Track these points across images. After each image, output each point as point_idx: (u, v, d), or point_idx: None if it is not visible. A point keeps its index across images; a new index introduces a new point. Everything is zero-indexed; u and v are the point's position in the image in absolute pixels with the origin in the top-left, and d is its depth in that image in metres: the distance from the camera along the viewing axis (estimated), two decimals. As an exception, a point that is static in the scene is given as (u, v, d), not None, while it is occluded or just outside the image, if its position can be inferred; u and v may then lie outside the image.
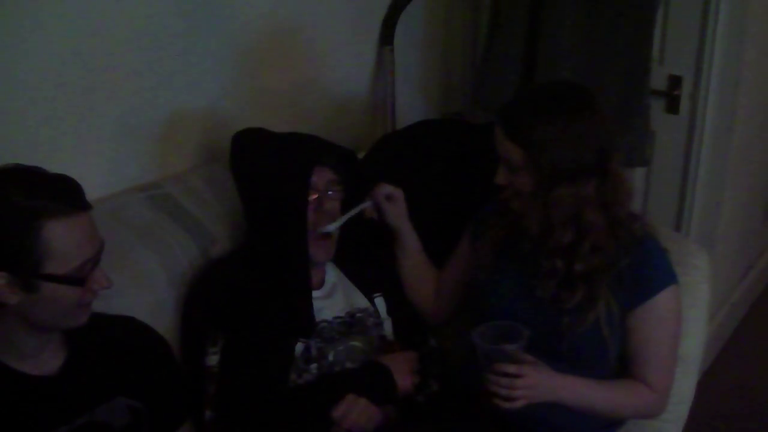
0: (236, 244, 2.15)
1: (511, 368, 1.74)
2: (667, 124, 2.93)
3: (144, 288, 1.96)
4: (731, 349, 3.66)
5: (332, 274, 2.14)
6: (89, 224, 1.52)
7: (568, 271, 1.85)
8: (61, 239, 1.45)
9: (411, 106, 3.02)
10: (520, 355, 1.77)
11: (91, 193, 2.00)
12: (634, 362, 1.91)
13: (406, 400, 2.01)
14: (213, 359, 1.88)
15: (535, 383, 1.77)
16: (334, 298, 2.10)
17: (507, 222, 1.95)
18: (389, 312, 2.16)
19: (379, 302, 2.16)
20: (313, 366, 1.96)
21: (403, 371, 1.99)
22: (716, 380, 3.40)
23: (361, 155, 2.52)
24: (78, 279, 1.49)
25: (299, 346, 1.95)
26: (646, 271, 1.87)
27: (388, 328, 2.14)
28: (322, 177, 2.01)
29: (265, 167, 2.01)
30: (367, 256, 2.24)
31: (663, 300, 1.87)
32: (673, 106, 2.92)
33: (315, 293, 2.06)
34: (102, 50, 2.05)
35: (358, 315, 2.10)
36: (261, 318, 1.93)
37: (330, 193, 2.02)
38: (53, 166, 1.55)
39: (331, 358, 1.99)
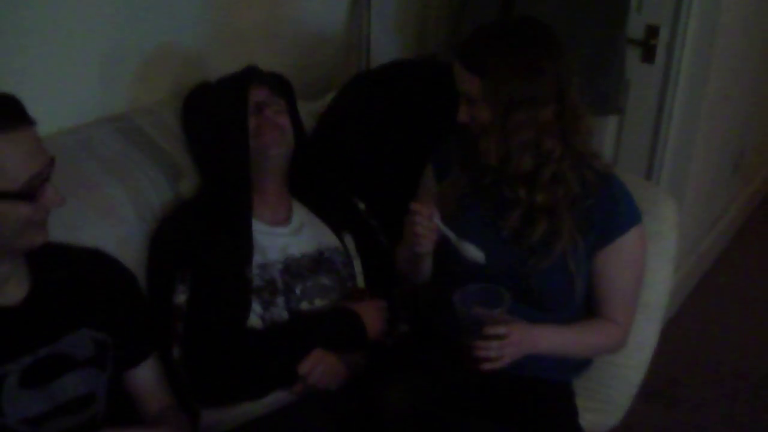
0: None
1: (502, 329, 1.75)
2: (642, 74, 2.94)
3: (112, 220, 1.94)
4: (696, 298, 3.72)
5: (301, 213, 2.15)
6: (33, 139, 1.49)
7: (531, 203, 1.86)
8: (5, 155, 1.42)
9: (386, 47, 2.99)
10: (505, 317, 1.78)
11: (60, 123, 2.01)
12: (602, 301, 1.94)
13: (375, 344, 2.03)
14: (181, 297, 1.88)
15: (519, 340, 1.78)
16: (301, 234, 2.10)
17: (469, 161, 1.95)
18: (358, 250, 2.17)
19: (348, 240, 2.17)
20: (280, 299, 1.97)
21: (373, 318, 2.01)
22: (680, 329, 3.46)
23: (333, 94, 2.52)
24: (27, 195, 1.46)
25: (258, 278, 1.96)
26: (614, 211, 1.88)
27: (357, 266, 2.15)
28: (258, 93, 2.06)
29: (206, 98, 2.12)
30: (337, 196, 2.25)
31: (629, 239, 1.90)
32: (649, 56, 2.92)
33: (282, 229, 2.07)
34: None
35: (327, 253, 2.10)
36: (215, 251, 1.93)
37: (271, 104, 2.06)
38: (23, 96, 1.51)
39: (298, 292, 2.00)
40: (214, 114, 2.06)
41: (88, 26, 2.09)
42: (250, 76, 2.07)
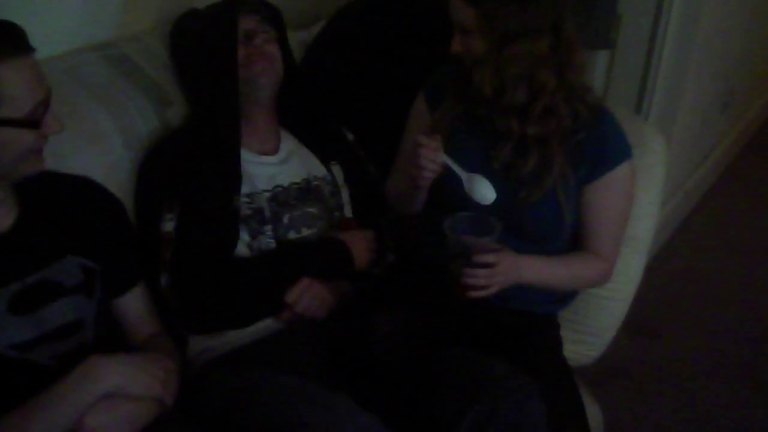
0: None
1: (491, 257, 1.75)
2: (634, 7, 2.92)
3: (99, 148, 1.93)
4: (682, 234, 3.76)
5: (289, 142, 2.14)
6: (36, 67, 1.49)
7: (523, 135, 1.86)
8: (12, 82, 1.42)
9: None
10: (494, 245, 1.78)
11: (45, 50, 1.98)
12: (589, 234, 1.95)
13: (362, 273, 2.04)
14: (168, 225, 1.89)
15: (507, 269, 1.79)
16: (289, 164, 2.10)
17: (462, 92, 1.94)
18: (346, 180, 2.17)
19: (336, 170, 2.17)
20: (268, 228, 1.97)
21: (360, 248, 2.02)
22: (665, 264, 3.49)
23: (323, 23, 2.49)
24: (33, 121, 1.47)
25: (246, 206, 1.96)
26: (605, 145, 1.89)
27: (345, 196, 2.16)
28: (248, 21, 2.02)
29: (194, 26, 2.09)
30: (325, 126, 2.24)
31: (619, 173, 1.90)
32: (641, -11, 2.90)
33: (269, 158, 2.07)
34: None
35: (315, 183, 2.11)
36: (203, 180, 1.93)
37: (260, 32, 2.03)
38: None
39: (285, 221, 2.00)
40: (203, 42, 2.03)
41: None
42: (238, 3, 2.03)
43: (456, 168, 1.82)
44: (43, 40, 1.63)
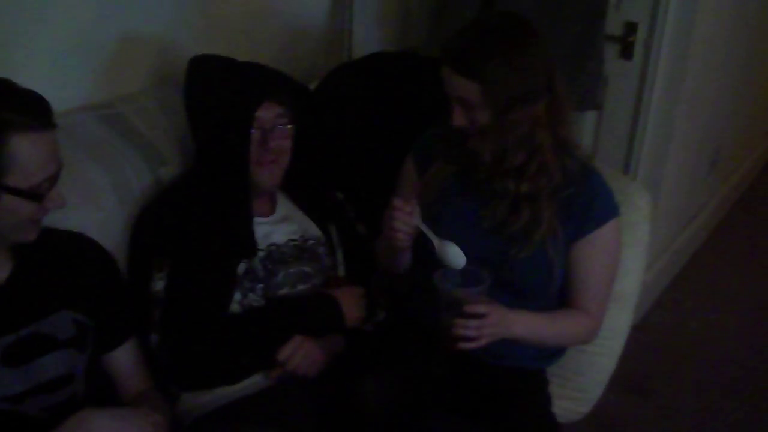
0: (186, 166, 2.15)
1: (482, 308, 1.77)
2: (621, 70, 2.97)
3: (94, 205, 1.95)
4: (672, 293, 3.77)
5: (286, 205, 2.16)
6: (54, 143, 1.53)
7: (516, 193, 1.89)
8: (27, 154, 1.47)
9: (368, 39, 3.01)
10: (484, 297, 1.80)
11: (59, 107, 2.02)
12: (576, 291, 1.97)
13: (353, 330, 2.05)
14: (159, 284, 1.89)
15: (497, 321, 1.80)
16: (285, 224, 2.12)
17: (456, 155, 1.97)
18: (339, 240, 2.19)
19: (332, 231, 2.19)
20: (259, 286, 1.98)
21: (351, 304, 2.03)
22: (656, 322, 3.51)
23: (315, 85, 2.53)
24: (37, 195, 1.51)
25: (242, 266, 1.96)
26: (593, 203, 1.92)
27: (339, 256, 2.18)
28: (269, 112, 1.99)
29: (213, 97, 2.02)
30: (320, 188, 2.26)
31: (607, 231, 1.93)
32: (627, 52, 2.96)
33: (265, 219, 2.08)
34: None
35: (311, 242, 2.13)
36: (205, 242, 1.94)
37: (278, 129, 2.01)
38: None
39: (279, 278, 2.01)
40: (218, 117, 2.00)
41: (69, 12, 2.10)
42: (261, 93, 2.00)
43: (429, 234, 1.83)
44: (69, 97, 1.71)
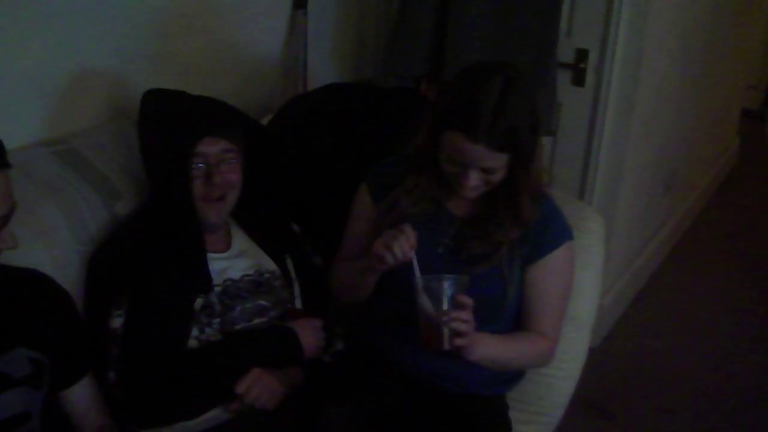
0: (141, 200, 2.14)
1: (467, 299, 1.78)
2: (573, 96, 3.03)
3: (49, 243, 1.94)
4: (631, 314, 3.80)
5: (240, 240, 2.16)
6: (6, 183, 1.52)
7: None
8: None
9: (323, 71, 3.04)
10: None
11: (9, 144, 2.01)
12: (531, 314, 2.00)
13: (312, 362, 2.05)
14: (117, 321, 1.88)
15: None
16: (241, 259, 2.11)
17: (430, 196, 1.99)
18: (296, 273, 2.19)
19: (289, 264, 2.19)
20: (216, 321, 1.97)
21: (308, 335, 2.02)
22: (616, 344, 3.53)
23: (269, 118, 2.55)
24: None
25: (199, 302, 1.95)
26: (547, 228, 1.96)
27: (296, 289, 2.17)
28: (213, 147, 1.96)
29: (158, 132, 2.00)
30: (275, 221, 2.26)
31: (560, 254, 1.97)
32: (579, 79, 3.02)
33: (220, 255, 2.08)
34: (10, 3, 2.03)
35: (266, 275, 2.12)
36: (161, 278, 1.93)
37: (223, 164, 1.97)
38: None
39: (236, 313, 2.01)
40: (162, 152, 1.98)
41: (21, 47, 2.09)
42: (203, 128, 1.96)
43: (416, 269, 1.83)
44: (17, 133, 1.70)
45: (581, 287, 2.12)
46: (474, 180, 1.84)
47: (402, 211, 1.99)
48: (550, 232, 1.97)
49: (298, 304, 2.16)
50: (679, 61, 3.71)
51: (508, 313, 1.99)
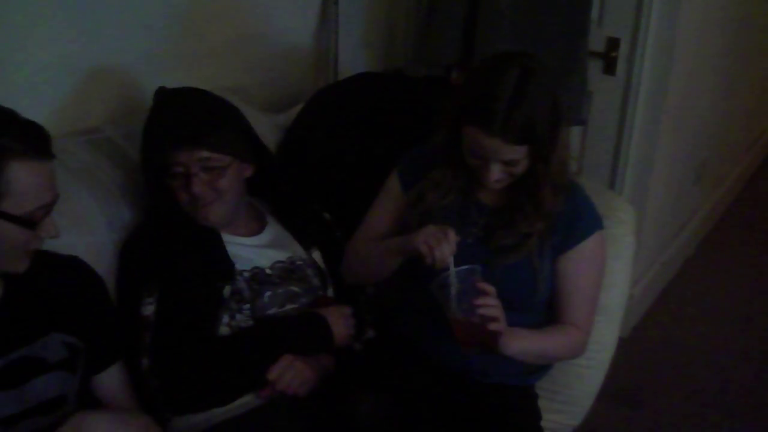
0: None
1: (490, 287, 1.79)
2: (604, 85, 3.01)
3: (83, 230, 1.97)
4: (660, 305, 3.78)
5: (274, 228, 2.18)
6: (51, 173, 1.56)
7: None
8: (23, 181, 1.49)
9: (354, 61, 3.04)
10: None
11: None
12: (563, 305, 1.99)
13: (343, 350, 2.06)
14: (148, 309, 1.91)
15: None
16: (272, 248, 2.13)
17: (458, 187, 1.99)
18: (326, 262, 2.20)
19: (317, 256, 2.20)
20: (246, 307, 1.99)
21: (339, 323, 2.03)
22: (645, 334, 3.52)
23: (301, 107, 2.56)
24: (29, 222, 1.53)
25: (227, 289, 1.96)
26: (578, 218, 1.95)
27: (327, 278, 2.18)
28: (188, 156, 1.93)
29: (143, 138, 2.01)
30: (305, 213, 2.28)
31: (591, 244, 1.96)
32: (610, 68, 3.00)
33: (251, 240, 2.10)
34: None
35: (299, 263, 2.14)
36: (187, 267, 1.95)
37: (204, 172, 1.95)
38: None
39: (266, 299, 2.02)
40: (142, 162, 2.02)
41: (64, 44, 2.13)
42: (173, 140, 1.94)
43: (451, 274, 1.80)
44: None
45: (611, 277, 2.12)
46: (496, 173, 1.84)
47: (429, 203, 2.00)
48: (581, 222, 1.96)
49: (330, 292, 2.18)
50: (712, 50, 3.67)
51: (540, 304, 1.99)
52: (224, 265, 1.99)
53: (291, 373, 1.92)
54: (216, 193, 1.97)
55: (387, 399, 1.89)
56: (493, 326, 1.78)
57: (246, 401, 1.93)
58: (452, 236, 1.81)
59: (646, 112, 3.05)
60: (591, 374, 2.19)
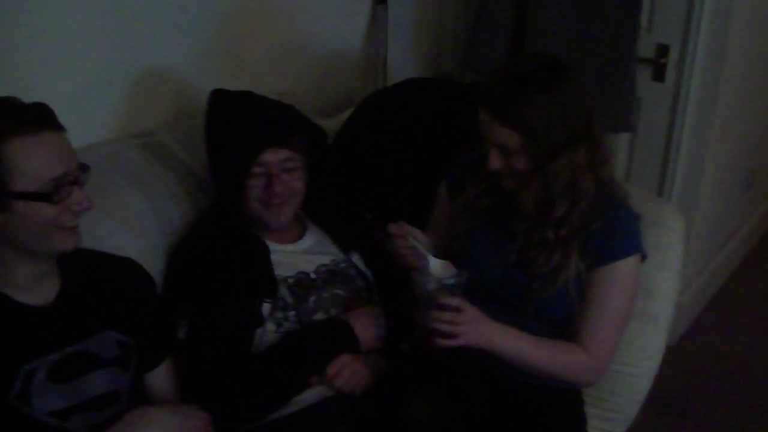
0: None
1: (455, 301, 1.77)
2: (653, 92, 2.99)
3: (135, 233, 2.00)
4: (708, 314, 3.74)
5: (314, 233, 2.18)
6: (57, 143, 1.54)
7: (554, 239, 1.89)
8: (24, 157, 1.49)
9: (402, 66, 3.06)
10: (458, 294, 1.81)
11: (94, 137, 2.09)
12: (580, 324, 1.93)
13: (391, 350, 2.06)
14: (181, 332, 1.93)
15: (475, 319, 1.80)
16: (316, 249, 2.14)
17: (493, 195, 1.98)
18: (367, 264, 2.21)
19: (356, 259, 2.20)
20: (291, 314, 1.99)
21: (364, 325, 2.02)
22: (693, 343, 3.49)
23: (350, 111, 2.58)
24: (46, 195, 1.52)
25: (266, 306, 1.96)
26: (613, 235, 1.89)
27: (370, 278, 2.19)
28: (274, 156, 1.99)
29: (220, 137, 2.03)
30: (344, 216, 2.28)
31: (623, 266, 1.89)
32: (659, 74, 2.98)
33: (292, 247, 2.11)
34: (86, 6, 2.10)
35: (342, 265, 2.14)
36: (225, 285, 1.95)
37: (284, 173, 2.01)
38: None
39: (311, 303, 2.02)
40: (222, 158, 2.03)
41: (115, 49, 2.17)
42: (264, 140, 1.99)
43: (421, 249, 1.86)
44: (84, 130, 1.74)
45: (659, 286, 2.10)
46: (495, 160, 1.83)
47: (474, 210, 2.01)
48: (617, 241, 1.89)
49: (375, 294, 2.18)
50: (762, 56, 3.63)
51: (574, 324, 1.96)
52: (267, 281, 2.00)
53: (348, 371, 1.93)
54: (290, 193, 2.02)
55: (436, 402, 1.87)
56: (439, 341, 1.78)
57: (302, 398, 1.92)
58: (393, 228, 1.91)
59: (695, 119, 3.03)
60: (638, 382, 2.17)
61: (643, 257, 1.94)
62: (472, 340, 1.81)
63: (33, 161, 1.50)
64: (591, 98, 1.88)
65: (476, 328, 1.81)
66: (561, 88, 1.79)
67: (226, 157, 2.01)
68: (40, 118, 1.53)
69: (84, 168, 1.59)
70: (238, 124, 2.02)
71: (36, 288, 1.63)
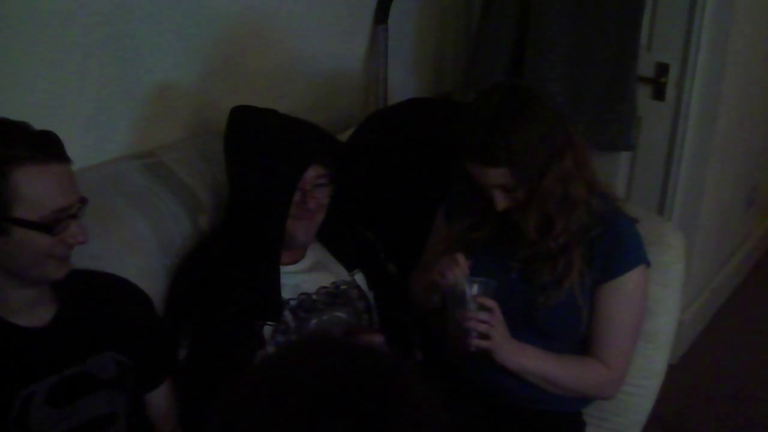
0: (221, 216, 2.17)
1: (489, 301, 1.81)
2: (653, 111, 2.99)
3: (136, 254, 2.00)
4: (710, 332, 3.73)
5: (316, 252, 2.18)
6: (64, 176, 1.56)
7: (554, 247, 1.90)
8: (30, 186, 1.50)
9: (403, 86, 3.06)
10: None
11: (95, 158, 2.08)
12: (594, 338, 1.94)
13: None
14: (182, 353, 1.92)
15: (503, 325, 1.83)
16: (316, 271, 2.13)
17: (492, 227, 1.99)
18: (370, 287, 2.20)
19: (359, 278, 2.19)
20: (294, 337, 1.98)
21: None
22: (695, 362, 3.47)
23: (351, 131, 2.58)
24: (46, 226, 1.52)
25: (267, 329, 1.96)
26: (618, 247, 1.91)
27: (371, 300, 2.18)
28: (311, 172, 2.01)
29: (257, 153, 2.03)
30: (348, 234, 2.28)
31: (631, 279, 1.91)
32: (659, 93, 2.97)
33: (294, 267, 2.10)
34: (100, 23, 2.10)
35: (343, 287, 2.13)
36: (228, 305, 1.95)
37: (317, 189, 2.03)
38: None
39: (312, 327, 2.02)
40: (262, 174, 2.01)
41: (119, 72, 2.17)
42: (308, 157, 2.01)
43: (468, 294, 1.85)
44: (84, 150, 1.74)
45: (661, 305, 2.10)
46: (500, 199, 1.86)
47: (470, 235, 2.01)
48: (622, 252, 1.91)
49: (375, 315, 2.17)
50: (762, 74, 3.64)
51: (581, 335, 1.96)
52: (274, 304, 1.99)
53: None
54: (320, 209, 2.04)
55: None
56: (477, 342, 1.80)
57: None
58: (461, 260, 1.84)
59: (695, 137, 3.03)
60: (639, 402, 2.16)
61: (648, 264, 1.96)
62: (501, 346, 1.83)
63: (38, 191, 1.51)
64: (560, 104, 1.89)
65: (505, 338, 1.84)
66: (533, 112, 1.82)
67: (266, 176, 2.00)
68: (49, 148, 1.55)
69: (84, 201, 1.60)
70: (281, 141, 2.02)
71: (32, 311, 1.63)
